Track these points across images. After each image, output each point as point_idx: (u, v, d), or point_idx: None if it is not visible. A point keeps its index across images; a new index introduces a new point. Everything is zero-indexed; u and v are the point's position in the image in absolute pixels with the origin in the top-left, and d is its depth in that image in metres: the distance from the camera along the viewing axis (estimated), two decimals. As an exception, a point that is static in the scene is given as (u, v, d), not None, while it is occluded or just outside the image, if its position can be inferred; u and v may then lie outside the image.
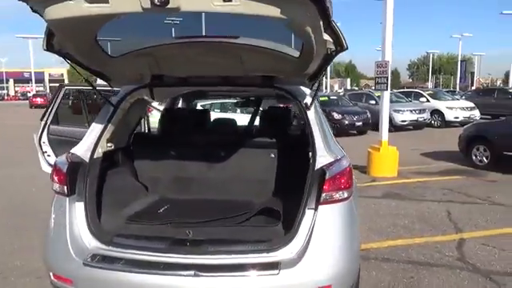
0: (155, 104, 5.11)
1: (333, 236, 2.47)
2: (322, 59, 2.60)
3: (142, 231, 2.82)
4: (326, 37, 2.22)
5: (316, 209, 2.47)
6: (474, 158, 9.05)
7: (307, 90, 3.16)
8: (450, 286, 3.67)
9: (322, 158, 2.66)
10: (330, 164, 2.61)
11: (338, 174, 2.54)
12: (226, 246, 2.53)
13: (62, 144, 4.86)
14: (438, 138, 14.32)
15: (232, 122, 4.34)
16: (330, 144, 2.83)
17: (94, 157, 2.89)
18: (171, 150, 3.75)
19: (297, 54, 2.67)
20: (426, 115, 17.82)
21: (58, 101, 5.66)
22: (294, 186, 3.22)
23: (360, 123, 15.86)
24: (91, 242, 2.57)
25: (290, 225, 2.61)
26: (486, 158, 8.80)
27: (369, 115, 16.12)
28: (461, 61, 51.57)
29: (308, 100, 2.98)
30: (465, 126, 10.12)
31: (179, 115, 4.36)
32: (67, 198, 2.67)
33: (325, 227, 2.45)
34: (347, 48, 2.34)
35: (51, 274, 2.61)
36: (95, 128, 3.03)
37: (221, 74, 3.13)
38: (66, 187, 2.69)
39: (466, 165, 9.17)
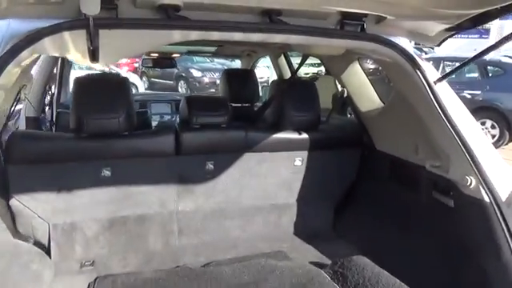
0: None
1: None
2: None
3: None
4: None
5: None
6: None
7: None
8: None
9: (495, 174, 1.60)
10: None
11: None
12: None
13: None
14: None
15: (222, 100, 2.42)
16: (486, 145, 1.70)
17: None
18: (98, 169, 1.97)
19: None
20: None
21: None
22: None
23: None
24: None
25: None
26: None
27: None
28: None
29: (432, 69, 1.72)
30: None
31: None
32: None
33: None
34: None
35: None
36: None
37: (265, 5, 1.44)
38: None
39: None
